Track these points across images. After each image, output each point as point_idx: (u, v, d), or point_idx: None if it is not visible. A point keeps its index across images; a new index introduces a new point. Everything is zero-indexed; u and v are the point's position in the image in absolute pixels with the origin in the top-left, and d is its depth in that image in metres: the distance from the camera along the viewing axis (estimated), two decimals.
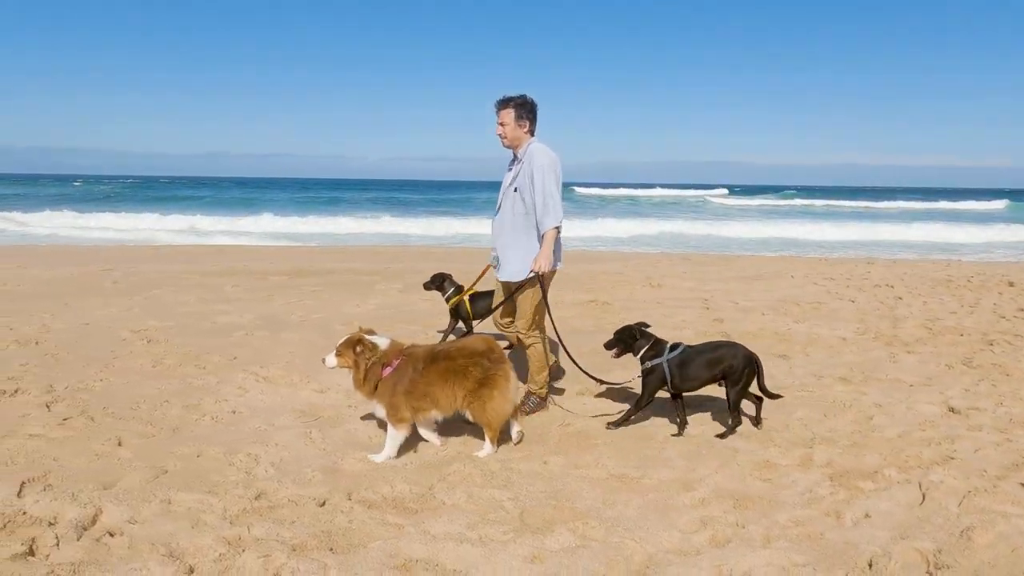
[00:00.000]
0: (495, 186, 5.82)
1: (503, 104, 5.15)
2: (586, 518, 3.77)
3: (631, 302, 10.29)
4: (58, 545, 3.45)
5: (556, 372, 5.73)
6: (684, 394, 5.13)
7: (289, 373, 6.36)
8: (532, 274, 5.14)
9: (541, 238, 5.11)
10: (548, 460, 4.57)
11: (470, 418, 4.65)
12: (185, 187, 75.38)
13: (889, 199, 64.55)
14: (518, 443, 4.78)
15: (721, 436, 4.94)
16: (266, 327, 8.31)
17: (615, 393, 5.93)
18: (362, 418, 5.27)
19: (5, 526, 3.64)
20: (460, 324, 7.31)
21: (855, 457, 4.62)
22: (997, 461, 4.53)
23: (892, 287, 12.01)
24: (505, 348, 5.11)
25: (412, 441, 4.83)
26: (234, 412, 5.42)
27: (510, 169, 5.36)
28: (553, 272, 5.26)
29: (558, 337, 5.47)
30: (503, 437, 4.78)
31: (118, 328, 8.14)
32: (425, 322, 8.70)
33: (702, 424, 5.28)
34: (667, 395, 5.18)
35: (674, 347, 5.07)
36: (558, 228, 5.09)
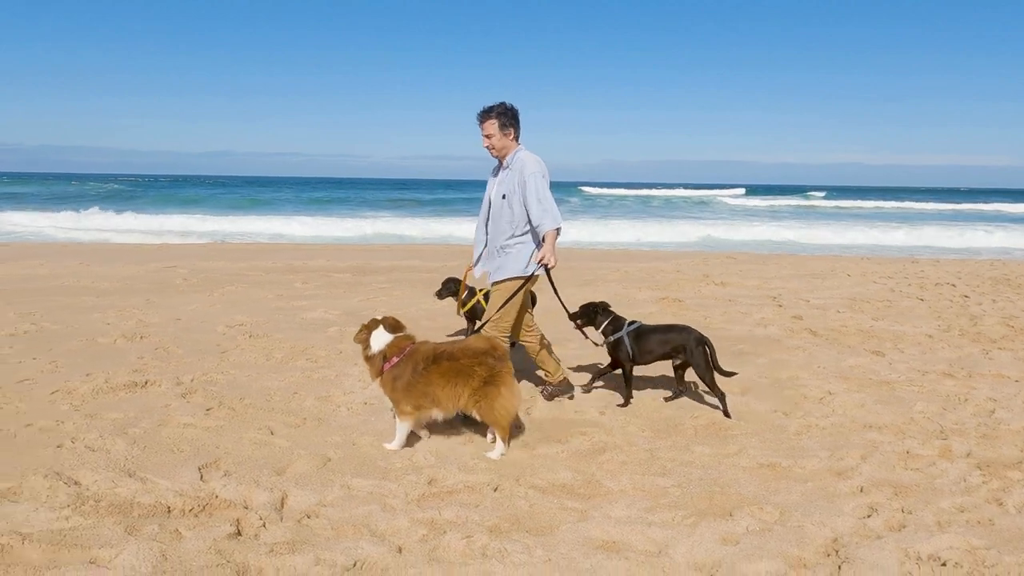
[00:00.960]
0: None
1: (486, 115, 5.13)
2: (757, 503, 3.89)
3: (703, 299, 10.40)
4: (264, 526, 3.61)
5: (566, 388, 5.72)
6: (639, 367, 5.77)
7: None
8: (540, 268, 5.14)
9: (541, 240, 5.10)
10: (693, 449, 4.70)
11: (477, 417, 4.63)
12: (197, 186, 75.53)
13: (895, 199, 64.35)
14: (493, 441, 4.70)
15: (725, 414, 5.34)
16: (356, 323, 8.45)
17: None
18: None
19: (204, 508, 3.81)
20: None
21: (992, 449, 4.73)
22: None
23: (954, 286, 12.06)
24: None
25: (566, 430, 4.98)
26: (365, 403, 5.57)
27: (495, 175, 5.36)
28: (536, 277, 5.29)
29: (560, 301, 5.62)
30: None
31: (212, 323, 8.32)
32: None
33: (803, 414, 5.38)
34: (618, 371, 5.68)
35: (631, 323, 5.60)
36: (558, 230, 5.09)
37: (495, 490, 4.06)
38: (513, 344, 5.69)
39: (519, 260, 5.22)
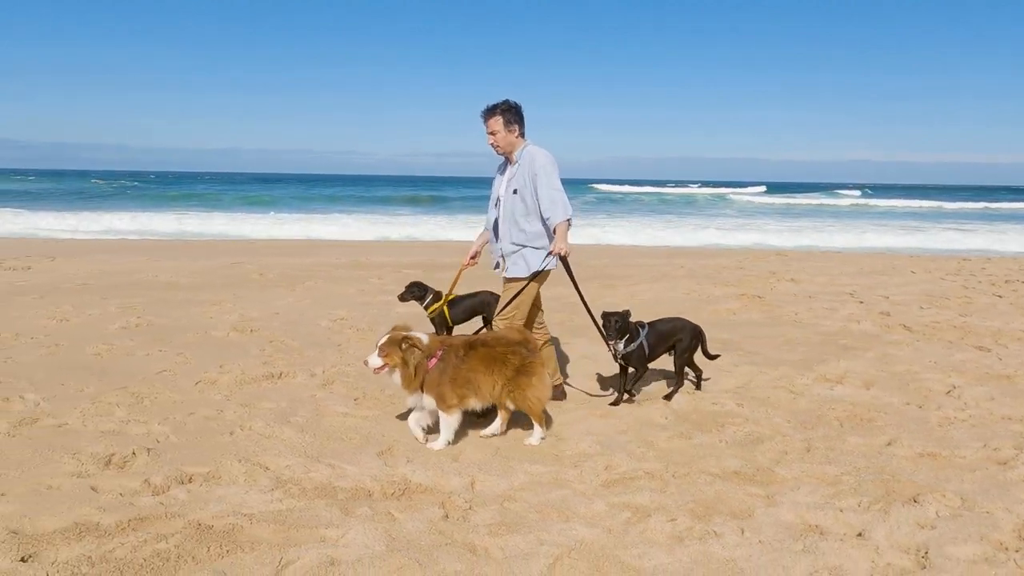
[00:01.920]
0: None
1: (489, 113, 5.16)
2: (935, 491, 3.98)
3: (782, 296, 10.48)
4: (471, 508, 3.76)
5: (558, 393, 5.61)
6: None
7: None
8: (555, 259, 5.18)
9: (553, 231, 5.13)
10: (847, 439, 4.80)
11: (511, 406, 4.73)
12: (211, 183, 75.42)
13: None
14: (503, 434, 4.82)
15: (668, 397, 5.60)
16: None
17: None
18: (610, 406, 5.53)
19: (404, 492, 3.97)
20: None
21: None
22: None
23: None
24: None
25: (713, 421, 5.11)
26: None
27: (502, 172, 5.38)
28: (548, 272, 5.31)
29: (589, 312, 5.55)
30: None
31: (313, 318, 8.50)
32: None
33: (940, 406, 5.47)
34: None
35: (640, 325, 5.56)
36: (569, 221, 5.13)
37: (675, 476, 4.18)
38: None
39: (534, 258, 5.23)
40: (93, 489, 3.92)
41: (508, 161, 5.31)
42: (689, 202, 54.80)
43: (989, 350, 7.25)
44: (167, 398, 5.47)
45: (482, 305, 6.57)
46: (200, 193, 47.36)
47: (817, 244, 22.25)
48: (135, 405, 5.28)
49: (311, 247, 17.92)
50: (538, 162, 5.11)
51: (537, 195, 5.11)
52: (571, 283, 5.42)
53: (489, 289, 6.64)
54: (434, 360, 4.58)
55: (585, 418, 5.22)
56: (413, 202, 46.15)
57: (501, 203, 5.32)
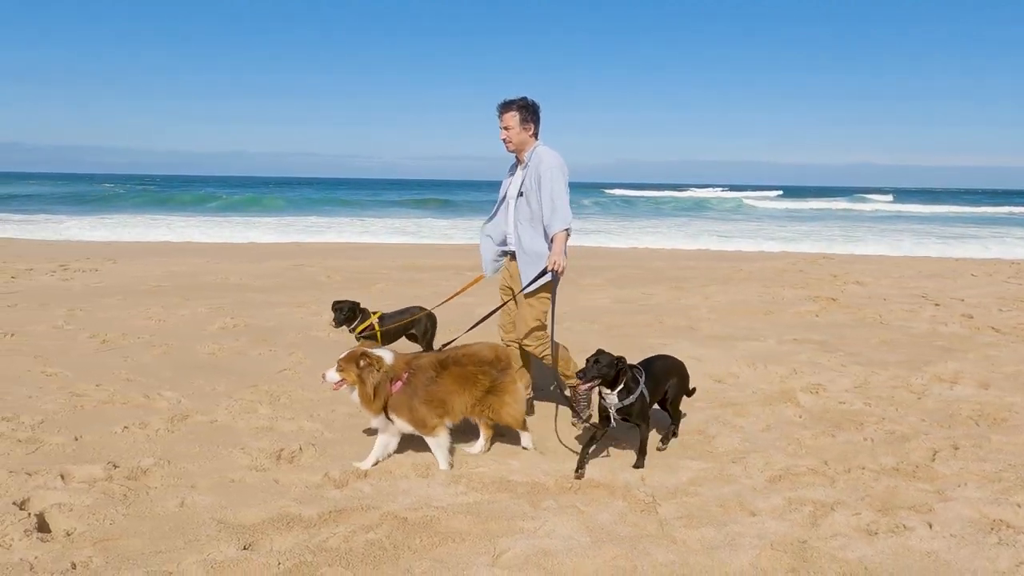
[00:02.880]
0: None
1: (506, 107, 4.95)
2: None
3: (855, 298, 10.51)
4: (655, 501, 3.85)
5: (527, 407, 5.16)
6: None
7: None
8: (549, 274, 4.87)
9: (550, 241, 4.88)
10: (991, 438, 4.83)
11: (487, 423, 4.60)
12: (219, 186, 74.70)
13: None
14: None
15: (671, 435, 4.86)
16: None
17: None
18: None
19: (579, 487, 4.05)
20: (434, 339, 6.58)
21: None
22: None
23: None
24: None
25: (848, 420, 5.16)
26: None
27: (512, 173, 5.18)
28: (557, 280, 4.98)
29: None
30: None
31: None
32: (665, 319, 9.02)
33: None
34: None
35: (635, 369, 4.55)
36: (567, 231, 4.87)
37: (837, 472, 4.25)
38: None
39: (537, 265, 4.93)
40: (276, 482, 4.03)
41: (518, 161, 5.13)
42: (702, 205, 54.52)
43: None
44: (301, 396, 5.58)
45: (411, 323, 6.33)
46: (214, 196, 47.42)
47: (853, 250, 22.17)
48: (275, 403, 5.41)
49: (358, 250, 18.05)
50: (545, 164, 4.90)
51: (540, 198, 4.91)
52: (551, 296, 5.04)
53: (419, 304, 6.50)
54: (399, 383, 4.27)
55: (719, 416, 5.29)
56: (421, 205, 46.12)
57: (508, 206, 5.13)
